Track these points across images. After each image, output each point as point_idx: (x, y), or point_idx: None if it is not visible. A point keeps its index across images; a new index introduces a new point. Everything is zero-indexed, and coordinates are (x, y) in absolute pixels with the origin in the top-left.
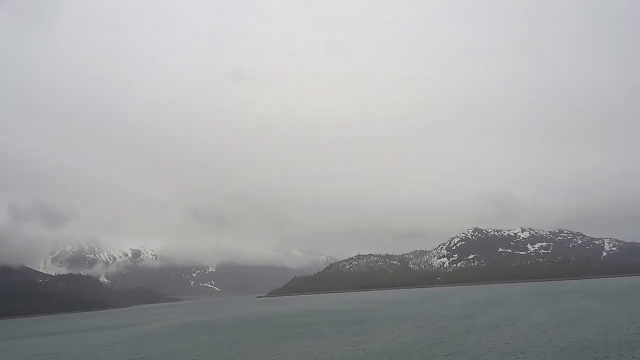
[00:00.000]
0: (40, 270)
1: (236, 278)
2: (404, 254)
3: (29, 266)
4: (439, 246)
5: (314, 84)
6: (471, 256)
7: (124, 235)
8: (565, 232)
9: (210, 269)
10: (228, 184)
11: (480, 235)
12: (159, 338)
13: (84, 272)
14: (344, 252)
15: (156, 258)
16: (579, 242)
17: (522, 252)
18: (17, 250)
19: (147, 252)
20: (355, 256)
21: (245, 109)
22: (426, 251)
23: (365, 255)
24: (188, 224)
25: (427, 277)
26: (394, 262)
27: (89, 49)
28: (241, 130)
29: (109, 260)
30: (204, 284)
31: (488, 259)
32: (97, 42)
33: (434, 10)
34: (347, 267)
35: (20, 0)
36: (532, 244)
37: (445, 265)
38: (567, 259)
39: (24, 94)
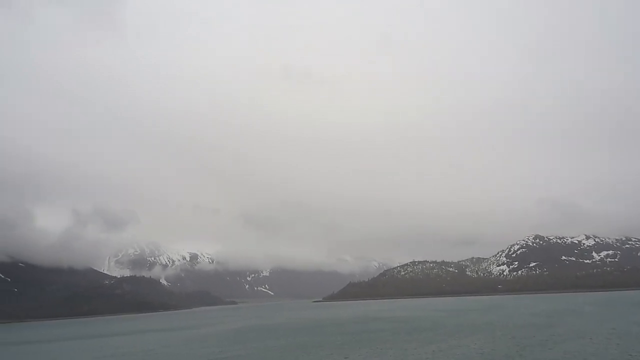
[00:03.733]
0: (104, 272)
1: (289, 282)
2: (460, 261)
3: (93, 268)
4: (498, 253)
5: (365, 84)
6: (532, 264)
7: (181, 240)
8: (633, 239)
9: (264, 274)
10: (280, 189)
11: (541, 242)
12: (230, 340)
13: (145, 274)
14: (396, 258)
15: (211, 262)
16: None
17: (587, 261)
18: (81, 253)
19: (204, 256)
20: (410, 262)
21: (297, 112)
22: (484, 258)
23: (421, 261)
24: (241, 229)
25: (487, 285)
26: (451, 269)
27: (143, 53)
28: (293, 135)
29: (168, 263)
30: (258, 288)
31: (551, 267)
32: (152, 46)
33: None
34: (402, 273)
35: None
36: (598, 252)
37: (505, 273)
38: (637, 268)
39: (82, 101)
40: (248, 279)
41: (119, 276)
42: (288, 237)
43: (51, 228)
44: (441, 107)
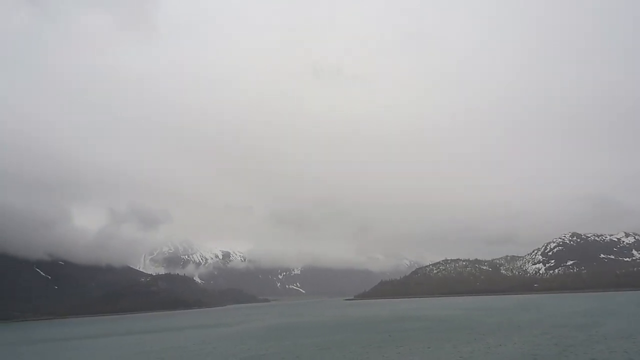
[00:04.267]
0: (140, 269)
1: (320, 280)
2: (494, 259)
3: (130, 266)
4: (533, 251)
5: (396, 81)
6: (570, 262)
7: (214, 238)
8: None
9: (296, 271)
10: (311, 188)
11: (579, 240)
12: (265, 337)
13: (179, 272)
14: (427, 256)
15: (244, 260)
16: None
17: (627, 259)
18: (117, 252)
19: (236, 254)
20: (443, 260)
21: (328, 110)
22: (519, 256)
23: (453, 259)
24: (273, 228)
25: (522, 284)
26: (484, 268)
27: (175, 54)
28: (323, 132)
29: (201, 261)
30: (290, 286)
31: (589, 265)
32: (182, 45)
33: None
34: (435, 271)
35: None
36: (638, 250)
37: (541, 272)
38: None
39: (116, 102)
40: (280, 277)
41: (154, 274)
42: (319, 235)
43: (89, 227)
44: (476, 104)
